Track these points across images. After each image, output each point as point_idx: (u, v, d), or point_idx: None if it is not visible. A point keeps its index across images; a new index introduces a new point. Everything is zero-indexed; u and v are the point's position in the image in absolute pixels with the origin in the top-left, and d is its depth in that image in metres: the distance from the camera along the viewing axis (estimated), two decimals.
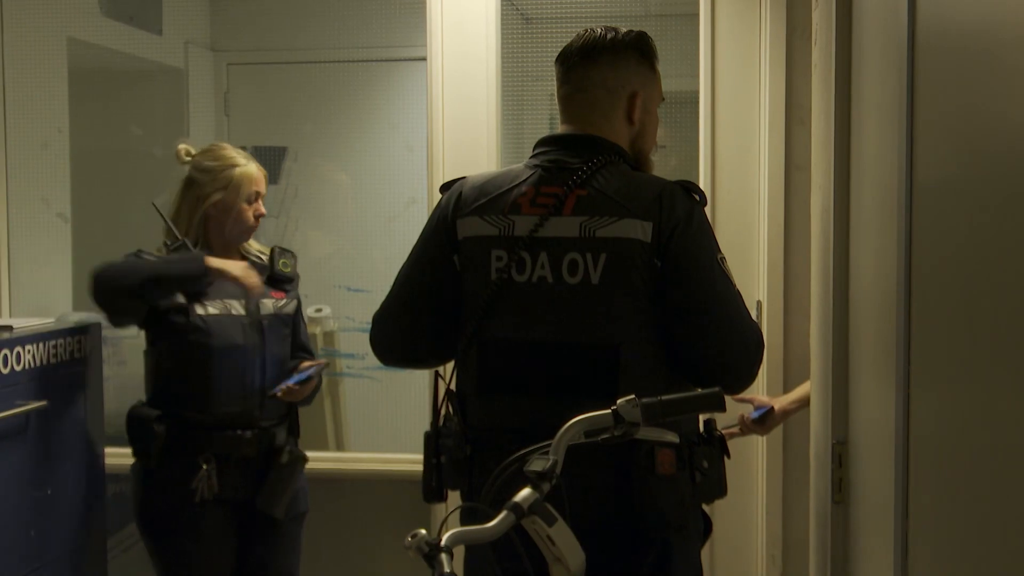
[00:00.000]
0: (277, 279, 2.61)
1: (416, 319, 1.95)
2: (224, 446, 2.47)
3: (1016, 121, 0.93)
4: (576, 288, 1.81)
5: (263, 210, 2.56)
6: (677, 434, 1.81)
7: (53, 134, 3.45)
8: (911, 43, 1.28)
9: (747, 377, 1.88)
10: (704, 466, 1.85)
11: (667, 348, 1.83)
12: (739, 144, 2.87)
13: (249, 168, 2.52)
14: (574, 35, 1.95)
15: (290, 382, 2.50)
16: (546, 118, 3.27)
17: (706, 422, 1.90)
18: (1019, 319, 0.92)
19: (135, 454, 2.52)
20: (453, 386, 1.94)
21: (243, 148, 2.78)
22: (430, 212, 2.92)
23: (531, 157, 1.93)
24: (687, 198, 1.84)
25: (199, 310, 2.46)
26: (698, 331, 1.82)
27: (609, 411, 1.55)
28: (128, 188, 3.79)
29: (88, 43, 3.52)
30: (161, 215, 2.50)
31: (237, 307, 2.51)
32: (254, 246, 2.63)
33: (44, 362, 2.56)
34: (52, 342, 2.59)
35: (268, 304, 2.56)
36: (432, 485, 1.94)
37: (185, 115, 3.79)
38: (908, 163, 1.28)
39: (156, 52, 3.73)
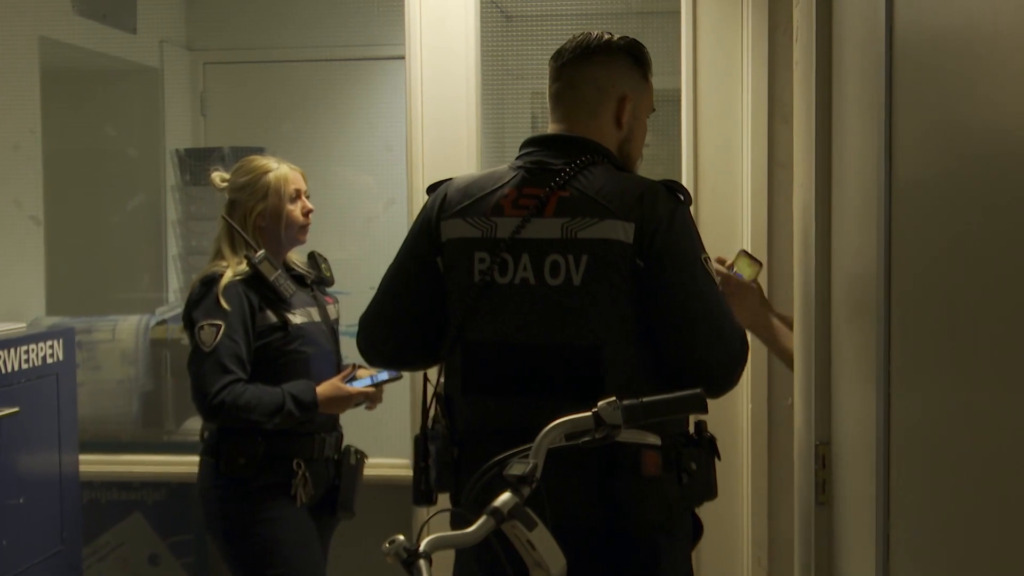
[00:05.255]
0: (326, 283, 2.65)
1: (402, 321, 1.94)
2: (311, 450, 2.49)
3: (992, 120, 0.91)
4: (558, 289, 1.80)
5: (310, 205, 2.57)
6: (660, 436, 1.79)
7: (25, 135, 3.40)
8: (889, 42, 1.27)
9: (730, 378, 1.86)
10: (692, 468, 1.82)
11: (652, 349, 1.81)
12: (722, 142, 2.86)
13: (281, 170, 2.53)
14: (555, 32, 1.94)
15: (375, 381, 2.53)
16: (527, 116, 3.24)
17: (697, 423, 1.88)
18: (998, 319, 0.90)
19: (230, 468, 2.42)
20: (441, 389, 1.92)
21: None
22: (410, 212, 2.93)
23: (516, 158, 1.92)
24: (670, 198, 1.82)
25: (293, 319, 2.47)
26: (680, 332, 1.80)
27: (590, 414, 1.53)
28: (102, 190, 3.75)
29: (60, 42, 3.48)
30: (237, 229, 2.48)
31: (315, 315, 2.54)
32: (292, 258, 2.62)
33: (16, 367, 2.52)
34: (24, 347, 2.55)
35: (332, 309, 2.63)
36: (422, 488, 1.93)
37: (161, 115, 3.74)
38: (887, 161, 1.27)
39: (130, 51, 3.68)
